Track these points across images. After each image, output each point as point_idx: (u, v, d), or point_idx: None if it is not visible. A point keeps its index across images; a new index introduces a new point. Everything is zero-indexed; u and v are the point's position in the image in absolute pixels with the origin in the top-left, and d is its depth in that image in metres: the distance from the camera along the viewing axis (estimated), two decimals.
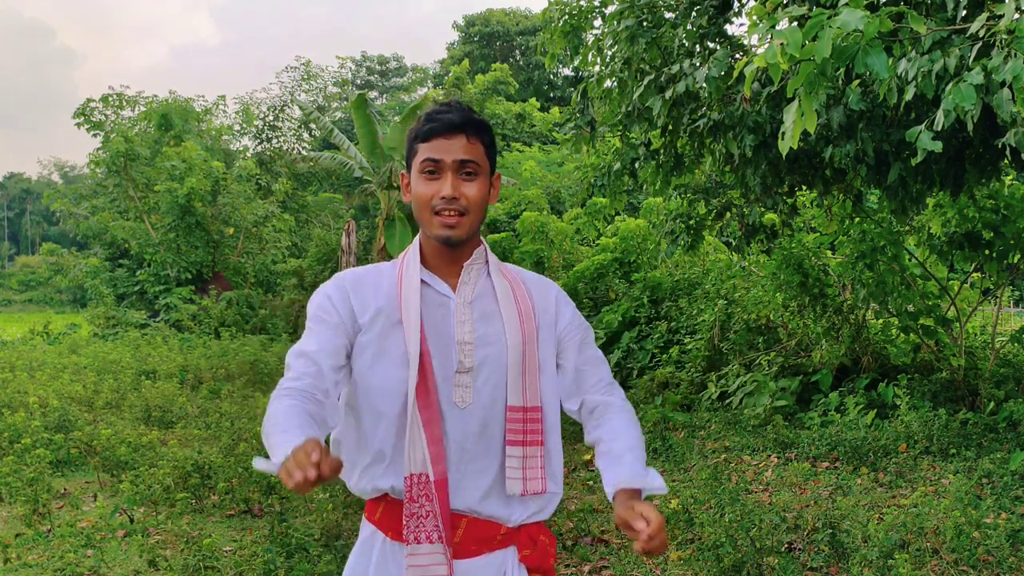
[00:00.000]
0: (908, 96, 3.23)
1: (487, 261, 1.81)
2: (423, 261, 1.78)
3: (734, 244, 8.14)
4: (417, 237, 1.81)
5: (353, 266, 19.33)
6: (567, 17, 6.14)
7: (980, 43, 3.01)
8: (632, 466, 1.73)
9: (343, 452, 1.78)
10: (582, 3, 6.12)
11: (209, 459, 5.76)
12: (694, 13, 5.58)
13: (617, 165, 6.72)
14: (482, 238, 1.82)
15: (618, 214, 12.60)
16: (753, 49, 5.12)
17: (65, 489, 6.06)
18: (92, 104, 21.69)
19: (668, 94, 5.21)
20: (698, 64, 5.12)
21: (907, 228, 8.08)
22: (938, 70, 3.15)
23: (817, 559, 4.23)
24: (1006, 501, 4.93)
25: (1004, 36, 2.79)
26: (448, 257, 1.77)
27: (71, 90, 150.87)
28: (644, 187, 7.29)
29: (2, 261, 58.23)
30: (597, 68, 6.17)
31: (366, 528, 1.79)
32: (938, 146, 2.96)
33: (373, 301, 1.73)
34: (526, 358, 1.74)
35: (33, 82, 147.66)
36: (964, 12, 3.45)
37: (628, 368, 9.85)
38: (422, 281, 1.75)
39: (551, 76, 35.00)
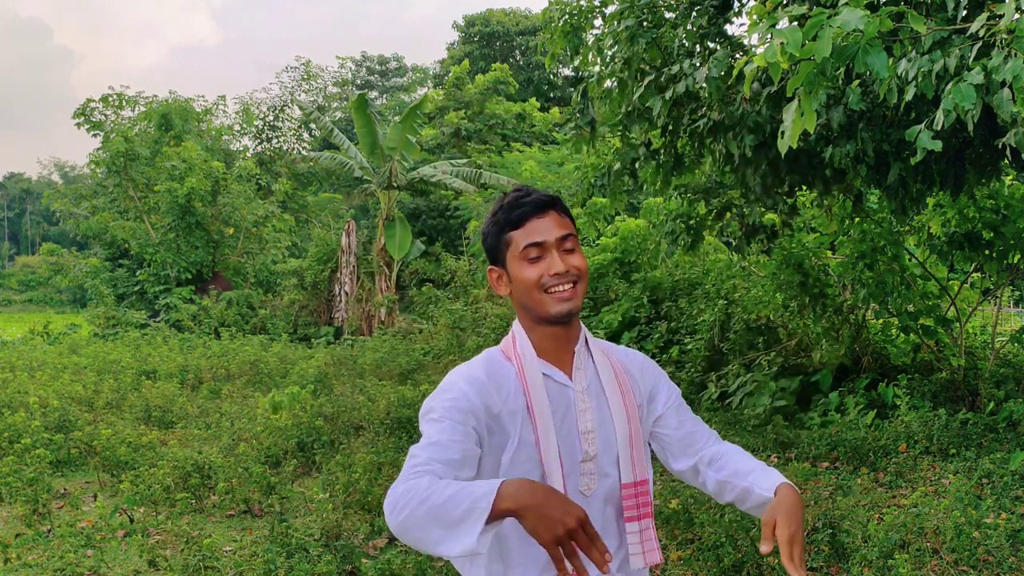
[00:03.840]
0: (908, 96, 3.23)
1: (586, 341, 1.80)
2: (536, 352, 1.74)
3: (734, 244, 8.13)
4: (518, 327, 1.76)
5: (353, 266, 19.32)
6: (567, 17, 6.14)
7: (980, 43, 3.01)
8: (771, 473, 1.75)
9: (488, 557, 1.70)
10: (582, 3, 6.11)
11: (209, 459, 5.77)
12: (694, 13, 5.57)
13: (617, 165, 6.72)
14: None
15: (618, 214, 12.59)
16: (753, 49, 5.12)
17: (65, 489, 6.06)
18: (92, 104, 21.70)
19: (668, 94, 5.21)
20: (698, 64, 5.12)
21: (907, 228, 8.08)
22: (938, 70, 3.15)
23: (817, 559, 4.23)
24: (1006, 501, 4.92)
25: (1004, 36, 2.78)
26: (562, 340, 1.75)
27: (70, 90, 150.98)
28: (644, 187, 7.28)
29: (2, 261, 58.22)
30: (597, 68, 6.17)
31: None
32: (938, 145, 2.96)
33: (499, 402, 1.67)
34: (632, 435, 1.75)
35: (31, 82, 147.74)
36: (964, 12, 3.45)
37: None
38: (544, 374, 1.72)
39: (551, 76, 34.98)
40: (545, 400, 1.69)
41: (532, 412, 1.67)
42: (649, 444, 1.87)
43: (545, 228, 1.70)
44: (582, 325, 1.81)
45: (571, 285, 1.70)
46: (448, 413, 1.61)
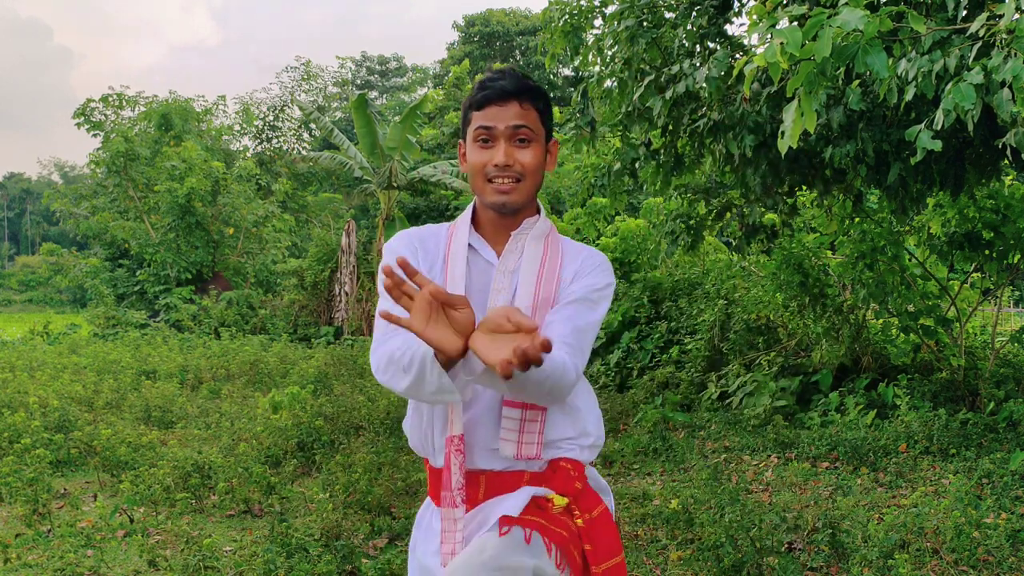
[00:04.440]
0: (908, 96, 3.23)
1: (544, 232, 1.79)
2: (476, 227, 1.79)
3: (734, 244, 8.13)
4: (473, 202, 1.81)
5: (353, 266, 19.33)
6: (567, 17, 6.14)
7: (980, 43, 3.01)
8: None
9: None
10: (582, 3, 6.11)
11: (209, 459, 5.76)
12: (694, 13, 5.57)
13: (617, 165, 6.72)
14: (541, 206, 1.82)
15: (618, 214, 12.59)
16: (753, 49, 5.12)
17: (65, 489, 6.06)
18: (92, 104, 21.71)
19: (668, 94, 5.21)
20: (698, 64, 5.12)
21: (907, 228, 8.08)
22: (938, 70, 3.15)
23: (817, 559, 4.23)
24: (1006, 501, 4.93)
25: (1004, 36, 2.78)
26: (500, 224, 1.77)
27: (69, 90, 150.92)
28: (644, 187, 7.28)
29: (2, 261, 58.22)
30: (597, 68, 6.17)
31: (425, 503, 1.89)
32: (938, 145, 2.96)
33: (424, 262, 1.76)
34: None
35: (31, 82, 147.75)
36: (964, 12, 3.45)
37: (628, 368, 9.85)
38: (469, 246, 1.76)
39: (551, 76, 34.99)
40: (461, 270, 1.73)
41: (445, 277, 1.74)
42: None
43: (500, 115, 1.70)
44: (541, 218, 1.80)
45: (513, 180, 1.71)
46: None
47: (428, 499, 1.88)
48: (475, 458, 1.74)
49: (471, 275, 1.75)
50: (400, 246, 1.78)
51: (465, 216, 1.80)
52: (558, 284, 1.76)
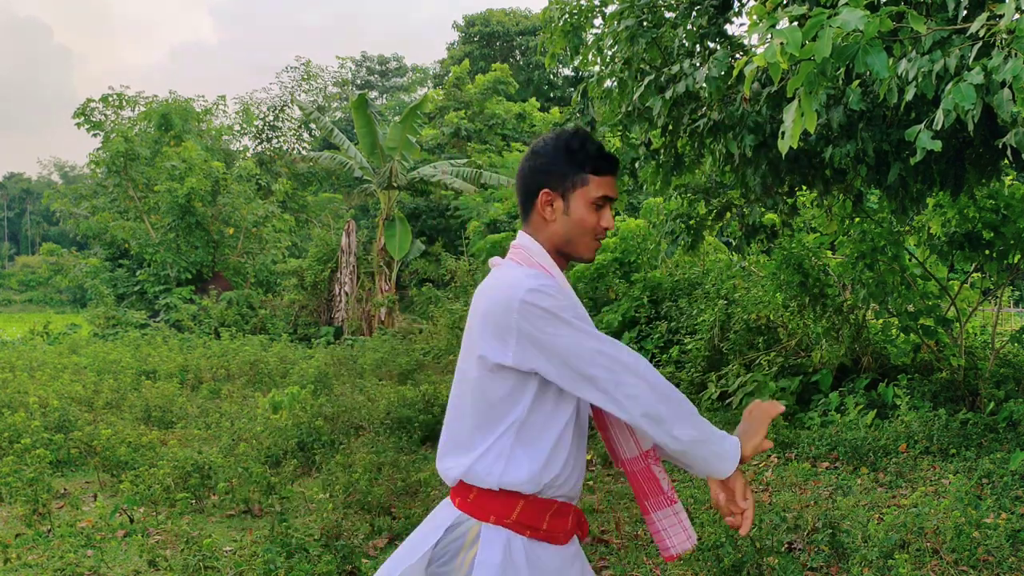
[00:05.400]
0: (908, 96, 3.23)
1: None
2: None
3: (734, 244, 8.12)
4: (536, 248, 1.92)
5: (353, 266, 19.30)
6: (567, 17, 6.13)
7: (980, 43, 3.01)
8: None
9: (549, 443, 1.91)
10: (582, 3, 6.11)
11: (209, 459, 5.76)
12: (694, 13, 5.57)
13: None
14: None
15: (618, 214, 12.59)
16: (753, 49, 5.11)
17: (65, 489, 6.06)
18: (92, 104, 21.69)
19: (668, 94, 5.20)
20: (698, 64, 5.11)
21: (907, 228, 8.07)
22: (938, 70, 3.15)
23: (817, 559, 4.23)
24: (1006, 501, 4.92)
25: (1004, 36, 2.78)
26: (561, 269, 1.97)
27: (69, 90, 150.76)
28: (644, 187, 7.27)
29: (2, 261, 58.20)
30: (597, 68, 6.16)
31: (496, 534, 1.82)
32: (938, 145, 2.95)
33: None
34: None
35: (31, 81, 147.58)
36: (964, 12, 3.45)
37: None
38: None
39: (551, 76, 34.98)
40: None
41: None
42: None
43: (615, 187, 1.94)
44: None
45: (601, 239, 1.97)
46: (580, 315, 1.84)
47: (507, 543, 1.84)
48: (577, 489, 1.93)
49: None
50: (573, 296, 1.88)
51: (550, 262, 1.91)
52: None
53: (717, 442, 1.79)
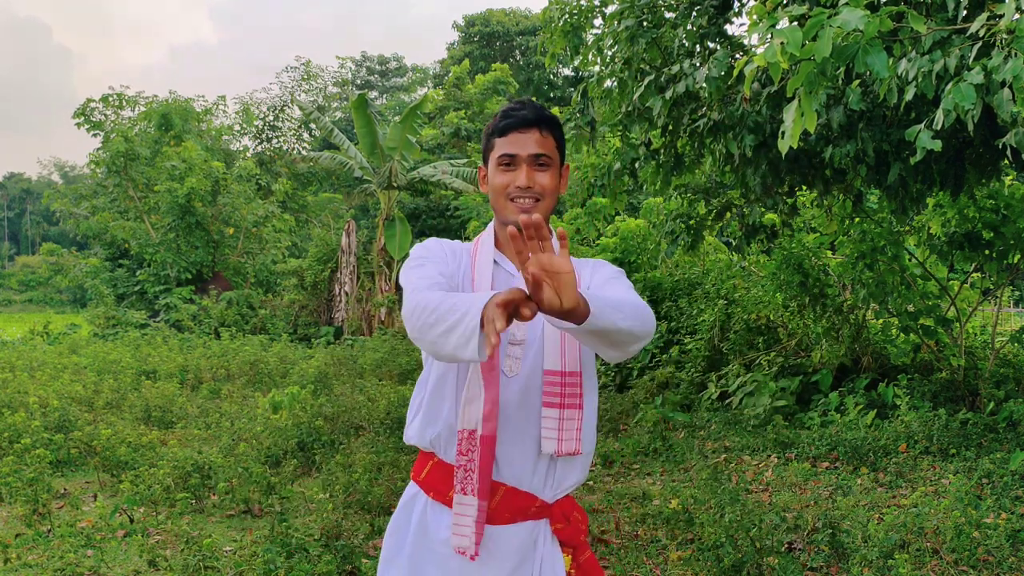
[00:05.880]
0: (908, 96, 3.23)
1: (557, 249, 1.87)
2: (496, 247, 1.93)
3: (734, 244, 8.13)
4: (491, 223, 1.96)
5: (353, 266, 19.27)
6: (567, 17, 6.14)
7: (980, 43, 3.01)
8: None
9: (418, 395, 1.92)
10: (582, 3, 6.11)
11: (209, 459, 5.76)
12: (694, 13, 5.57)
13: (617, 165, 6.72)
14: (552, 228, 1.94)
15: (618, 214, 12.58)
16: (753, 49, 5.11)
17: (65, 489, 6.06)
18: (92, 104, 21.70)
19: (668, 94, 5.20)
20: (698, 64, 5.12)
21: (907, 228, 8.08)
22: (938, 70, 3.15)
23: (817, 559, 4.23)
24: (1006, 501, 4.93)
25: (1004, 36, 2.78)
26: None
27: (69, 90, 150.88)
28: (644, 187, 7.27)
29: (2, 261, 58.21)
30: (597, 68, 6.17)
31: (410, 489, 1.92)
32: (938, 144, 2.96)
33: (455, 267, 1.89)
34: (562, 332, 1.83)
35: (31, 82, 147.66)
36: (964, 12, 3.45)
37: (628, 368, 9.85)
38: (494, 261, 1.90)
39: (551, 76, 34.99)
40: (487, 280, 1.86)
41: (473, 286, 1.86)
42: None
43: (522, 143, 1.85)
44: (554, 237, 1.90)
45: (533, 200, 1.85)
46: (421, 259, 1.85)
47: (413, 499, 1.90)
48: (501, 468, 1.81)
49: (495, 287, 1.87)
50: (435, 246, 1.91)
51: (487, 235, 1.94)
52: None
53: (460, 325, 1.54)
